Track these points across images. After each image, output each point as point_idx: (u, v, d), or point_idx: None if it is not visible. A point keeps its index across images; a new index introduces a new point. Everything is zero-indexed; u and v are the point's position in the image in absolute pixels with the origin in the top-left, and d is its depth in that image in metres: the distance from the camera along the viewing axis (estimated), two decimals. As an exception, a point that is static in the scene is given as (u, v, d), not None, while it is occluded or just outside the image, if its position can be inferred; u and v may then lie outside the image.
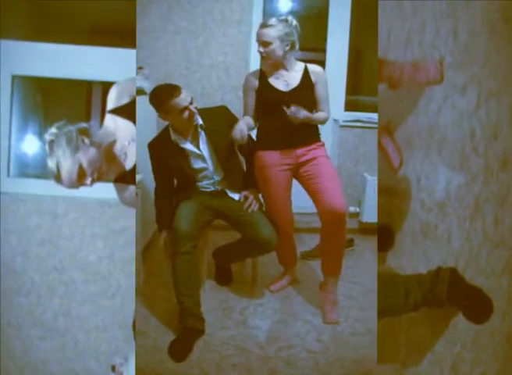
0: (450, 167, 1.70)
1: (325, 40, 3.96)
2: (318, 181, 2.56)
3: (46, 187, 2.38)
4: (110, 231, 2.35)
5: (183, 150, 2.60)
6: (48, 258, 2.33)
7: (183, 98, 2.43)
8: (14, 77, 2.37)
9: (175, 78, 3.73)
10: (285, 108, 2.45)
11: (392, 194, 2.14)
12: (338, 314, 2.64)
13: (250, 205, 2.64)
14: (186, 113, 2.45)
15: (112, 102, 1.79)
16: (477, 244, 1.57)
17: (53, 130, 1.63)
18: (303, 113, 2.46)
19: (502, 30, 1.44)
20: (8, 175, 2.41)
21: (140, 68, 3.41)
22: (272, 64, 2.54)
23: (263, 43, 2.46)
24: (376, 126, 3.89)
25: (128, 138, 1.78)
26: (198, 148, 2.61)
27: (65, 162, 1.60)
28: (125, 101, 1.77)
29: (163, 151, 2.61)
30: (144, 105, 2.45)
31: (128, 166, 1.78)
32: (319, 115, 2.63)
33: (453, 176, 1.68)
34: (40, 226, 2.32)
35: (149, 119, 3.38)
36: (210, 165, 2.65)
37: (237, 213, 2.64)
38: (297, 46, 2.54)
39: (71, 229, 2.32)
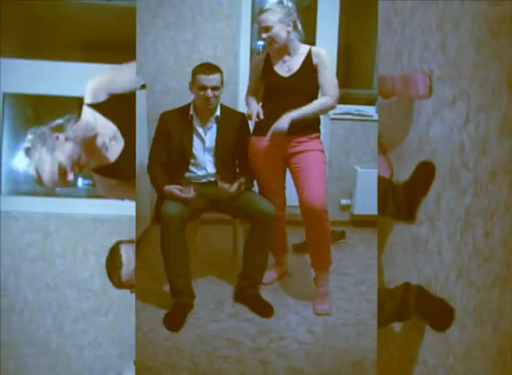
0: (440, 181, 1.70)
1: (314, 33, 3.92)
2: (301, 175, 2.57)
3: (38, 205, 2.39)
4: (102, 248, 2.29)
5: (192, 129, 2.68)
6: (41, 276, 2.33)
7: (209, 79, 2.54)
8: (5, 95, 2.36)
9: (165, 73, 3.75)
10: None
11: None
12: (329, 306, 2.67)
13: (232, 185, 2.64)
14: (202, 93, 2.55)
15: (89, 96, 1.73)
16: (467, 257, 1.58)
17: (28, 136, 1.61)
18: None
19: (490, 45, 1.44)
20: (0, 193, 2.39)
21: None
22: (277, 49, 2.53)
23: (265, 28, 2.47)
24: (366, 118, 3.92)
25: (109, 136, 1.74)
26: (205, 134, 2.69)
27: (44, 164, 1.58)
28: (102, 98, 1.72)
29: (174, 121, 2.69)
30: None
31: (111, 159, 1.76)
32: (314, 104, 2.56)
33: (443, 189, 1.68)
34: (33, 243, 2.32)
35: (140, 114, 3.34)
36: (207, 155, 2.71)
37: (230, 200, 2.66)
38: (300, 26, 2.55)
39: (63, 246, 2.32)
